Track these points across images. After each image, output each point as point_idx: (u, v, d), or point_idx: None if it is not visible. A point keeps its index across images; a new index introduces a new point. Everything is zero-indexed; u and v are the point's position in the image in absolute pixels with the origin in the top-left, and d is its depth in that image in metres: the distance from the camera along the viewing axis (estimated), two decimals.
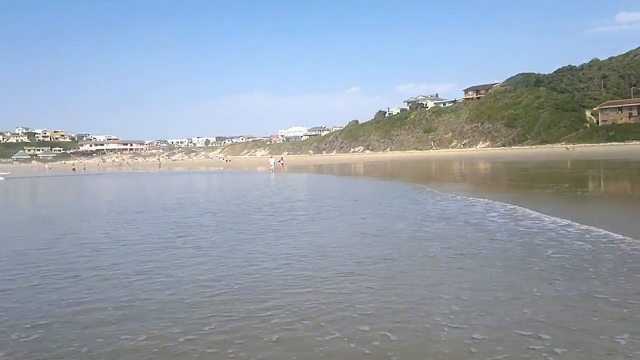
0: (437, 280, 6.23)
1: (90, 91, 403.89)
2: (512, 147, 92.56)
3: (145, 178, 45.92)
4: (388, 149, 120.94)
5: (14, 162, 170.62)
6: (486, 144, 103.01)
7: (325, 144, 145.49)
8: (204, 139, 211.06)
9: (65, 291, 6.22)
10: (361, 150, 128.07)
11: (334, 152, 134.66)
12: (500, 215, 11.63)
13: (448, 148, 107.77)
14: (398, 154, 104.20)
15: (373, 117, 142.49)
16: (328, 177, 38.03)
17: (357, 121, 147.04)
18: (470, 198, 15.63)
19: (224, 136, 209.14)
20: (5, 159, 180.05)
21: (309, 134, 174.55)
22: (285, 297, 5.73)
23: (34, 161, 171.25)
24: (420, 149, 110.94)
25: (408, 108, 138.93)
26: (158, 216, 13.79)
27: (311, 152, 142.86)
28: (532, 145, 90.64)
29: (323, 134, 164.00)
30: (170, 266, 7.48)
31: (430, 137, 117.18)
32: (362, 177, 36.46)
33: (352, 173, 43.19)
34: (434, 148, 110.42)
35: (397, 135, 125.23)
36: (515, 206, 12.82)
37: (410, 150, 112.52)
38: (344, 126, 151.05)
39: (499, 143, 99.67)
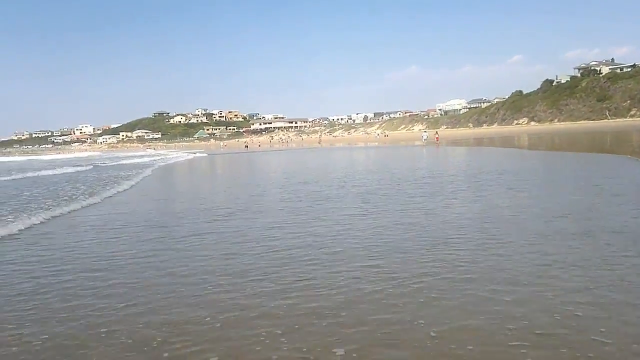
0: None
1: (260, 73, 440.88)
2: None
3: (307, 154, 49.51)
4: (556, 120, 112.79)
5: (195, 141, 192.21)
6: None
7: (486, 117, 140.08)
8: (363, 115, 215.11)
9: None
10: (525, 122, 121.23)
11: (495, 124, 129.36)
12: None
13: (626, 117, 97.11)
14: (567, 125, 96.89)
15: (539, 87, 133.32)
16: (487, 149, 37.39)
17: (520, 91, 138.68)
18: None
19: (381, 112, 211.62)
20: (188, 137, 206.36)
21: (468, 106, 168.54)
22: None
23: (212, 140, 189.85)
24: (593, 120, 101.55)
25: (579, 75, 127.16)
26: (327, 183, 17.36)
27: (471, 125, 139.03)
28: None
29: (483, 106, 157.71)
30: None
31: (604, 105, 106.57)
32: (527, 149, 34.61)
33: (515, 145, 41.23)
34: (609, 118, 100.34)
35: (566, 105, 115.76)
36: None
37: (580, 121, 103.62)
38: (506, 97, 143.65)
39: None
